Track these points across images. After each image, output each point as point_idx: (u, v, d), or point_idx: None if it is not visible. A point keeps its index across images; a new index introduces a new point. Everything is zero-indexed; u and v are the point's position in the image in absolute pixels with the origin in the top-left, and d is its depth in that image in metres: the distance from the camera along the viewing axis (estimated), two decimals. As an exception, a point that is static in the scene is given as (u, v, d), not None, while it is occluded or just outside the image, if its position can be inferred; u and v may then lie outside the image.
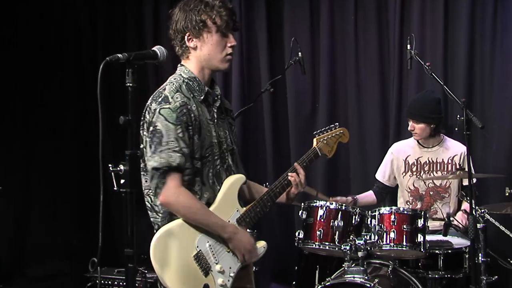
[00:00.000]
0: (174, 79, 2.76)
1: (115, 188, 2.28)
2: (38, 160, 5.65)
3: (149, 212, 2.76)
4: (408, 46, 3.94)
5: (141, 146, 2.71)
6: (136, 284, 4.23)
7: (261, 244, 2.87)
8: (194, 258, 2.66)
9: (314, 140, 3.13)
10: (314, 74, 5.27)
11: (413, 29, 4.83)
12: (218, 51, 2.75)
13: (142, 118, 2.70)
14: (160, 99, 2.65)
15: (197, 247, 2.68)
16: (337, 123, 3.24)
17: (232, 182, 2.79)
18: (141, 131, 2.71)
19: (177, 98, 2.65)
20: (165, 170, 2.60)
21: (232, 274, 2.74)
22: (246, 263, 2.80)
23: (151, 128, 2.63)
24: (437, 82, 3.83)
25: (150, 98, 2.70)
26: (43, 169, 5.62)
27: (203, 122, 2.71)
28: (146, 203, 2.75)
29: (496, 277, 3.68)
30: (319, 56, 5.25)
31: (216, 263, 2.71)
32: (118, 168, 2.27)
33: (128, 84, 2.31)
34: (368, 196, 4.66)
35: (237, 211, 2.80)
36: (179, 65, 2.82)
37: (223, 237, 2.72)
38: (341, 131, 3.22)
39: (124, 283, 4.57)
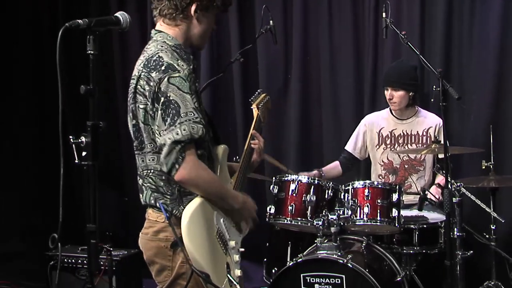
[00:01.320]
0: (161, 46, 2.54)
1: (77, 161, 2.16)
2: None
3: (154, 194, 2.57)
4: (384, 14, 3.82)
5: (133, 122, 2.56)
6: (101, 262, 4.16)
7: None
8: (217, 237, 2.56)
9: (254, 107, 3.01)
10: (287, 43, 5.13)
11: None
12: (209, 31, 2.72)
13: (132, 91, 2.54)
14: (163, 67, 2.45)
15: (216, 225, 2.57)
16: (261, 89, 3.15)
17: (222, 154, 2.71)
18: (132, 105, 2.54)
19: (183, 65, 2.48)
20: (187, 143, 2.43)
21: (240, 250, 2.71)
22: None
23: (162, 99, 2.43)
24: (413, 52, 3.72)
25: (143, 67, 2.51)
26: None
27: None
28: (146, 184, 2.58)
29: (472, 251, 3.63)
30: (291, 25, 5.11)
31: (230, 240, 2.64)
32: (80, 140, 2.15)
33: (89, 51, 2.17)
34: (334, 168, 4.59)
35: (230, 183, 2.74)
36: (154, 30, 2.64)
37: (235, 207, 2.64)
38: (268, 97, 3.11)
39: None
